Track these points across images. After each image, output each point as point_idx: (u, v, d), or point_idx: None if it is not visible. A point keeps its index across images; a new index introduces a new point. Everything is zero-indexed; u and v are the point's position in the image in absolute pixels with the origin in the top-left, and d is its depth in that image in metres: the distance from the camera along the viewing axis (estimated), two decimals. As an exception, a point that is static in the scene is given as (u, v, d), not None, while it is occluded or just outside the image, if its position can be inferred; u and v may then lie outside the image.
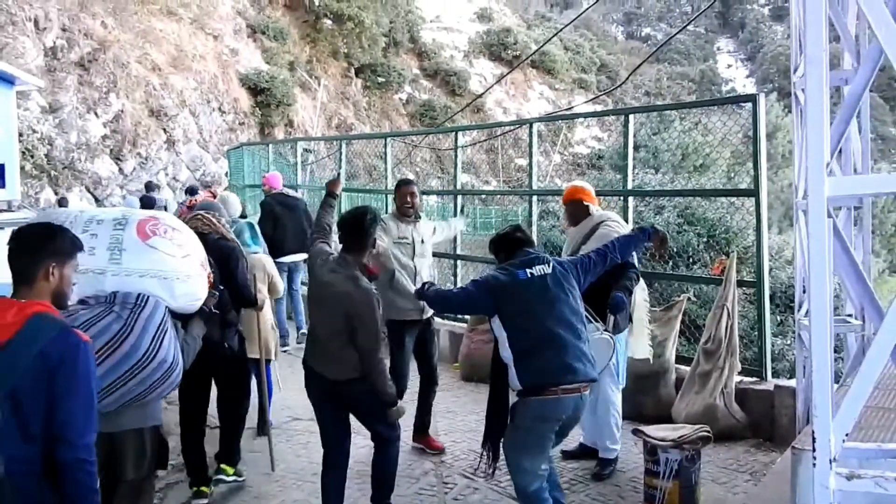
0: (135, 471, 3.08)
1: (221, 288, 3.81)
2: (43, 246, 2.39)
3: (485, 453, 3.82)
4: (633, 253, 4.68)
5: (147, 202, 10.53)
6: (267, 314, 5.43)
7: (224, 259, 4.34)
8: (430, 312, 5.12)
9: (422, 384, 5.26)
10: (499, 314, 3.58)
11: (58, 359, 2.26)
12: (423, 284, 4.14)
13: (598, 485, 4.58)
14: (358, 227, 3.77)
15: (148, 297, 3.09)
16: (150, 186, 14.11)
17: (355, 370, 3.67)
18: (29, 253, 2.38)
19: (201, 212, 4.67)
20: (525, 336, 3.50)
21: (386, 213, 5.78)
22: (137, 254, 3.19)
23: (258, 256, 5.74)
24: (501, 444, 3.69)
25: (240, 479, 4.76)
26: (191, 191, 12.49)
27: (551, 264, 3.65)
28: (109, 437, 2.93)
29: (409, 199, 5.12)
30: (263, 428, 5.38)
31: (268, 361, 5.48)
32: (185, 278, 3.29)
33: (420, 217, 5.26)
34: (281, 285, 6.16)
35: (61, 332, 2.31)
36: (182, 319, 3.34)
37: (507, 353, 3.54)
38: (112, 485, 3.03)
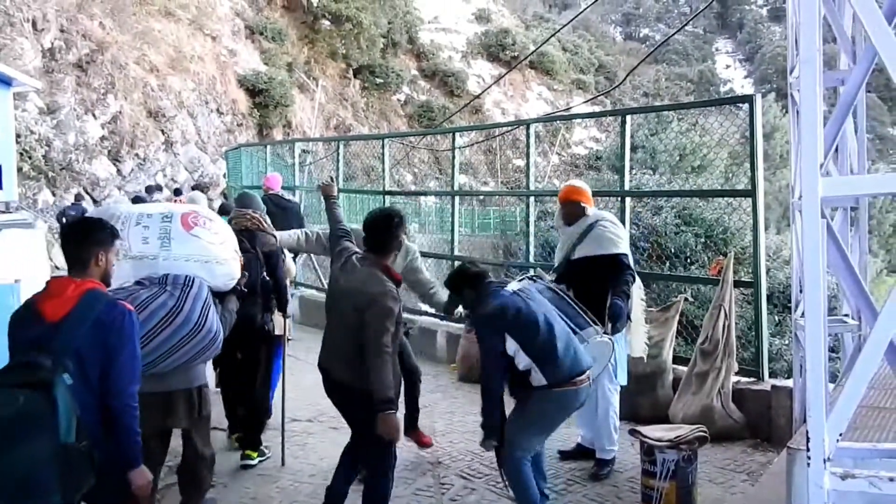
0: (188, 421, 3.77)
1: (247, 274, 4.22)
2: (94, 237, 2.93)
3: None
4: (628, 256, 4.74)
5: (137, 202, 10.75)
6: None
7: (269, 255, 5.05)
8: None
9: (405, 382, 5.00)
10: (511, 335, 3.69)
11: (109, 324, 2.78)
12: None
13: (596, 485, 4.58)
14: (384, 228, 3.71)
15: (194, 277, 3.68)
16: (150, 189, 14.14)
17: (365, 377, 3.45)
18: (83, 242, 2.91)
19: (249, 211, 5.15)
20: (535, 343, 3.67)
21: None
22: (183, 242, 3.80)
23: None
24: (508, 426, 3.81)
25: (266, 455, 5.20)
26: (176, 192, 12.85)
27: (514, 283, 3.97)
28: (166, 395, 3.56)
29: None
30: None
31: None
32: (223, 261, 3.92)
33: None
34: (294, 270, 6.90)
35: (110, 303, 2.85)
36: (219, 296, 3.86)
37: (525, 361, 3.67)
38: (167, 435, 3.81)
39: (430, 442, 5.25)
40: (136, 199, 11.27)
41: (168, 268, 3.68)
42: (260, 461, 5.10)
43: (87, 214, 5.22)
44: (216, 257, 3.89)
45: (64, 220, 10.00)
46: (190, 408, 3.76)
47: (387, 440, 3.45)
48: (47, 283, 2.93)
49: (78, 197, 13.74)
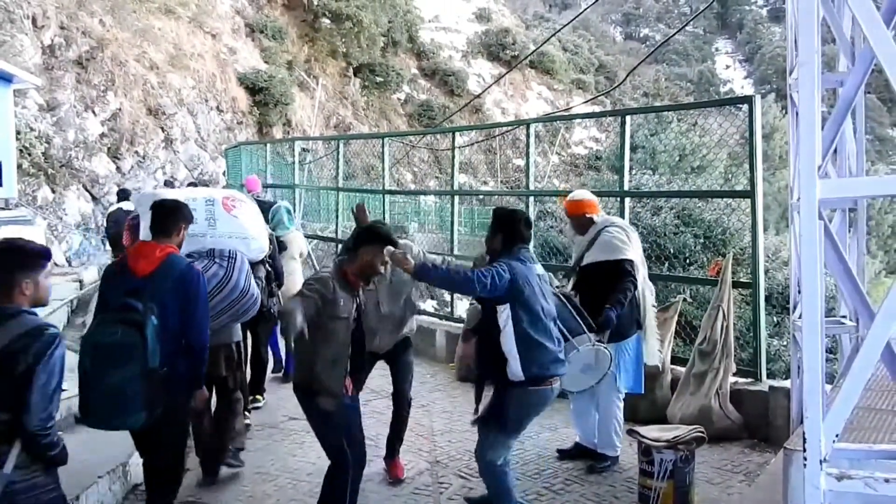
0: (227, 370, 4.66)
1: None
2: (180, 213, 3.83)
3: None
4: (633, 262, 4.72)
5: (123, 194, 11.31)
6: (298, 280, 6.81)
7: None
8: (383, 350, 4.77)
9: (394, 406, 4.90)
10: (512, 303, 3.63)
11: (188, 281, 3.62)
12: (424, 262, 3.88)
13: (593, 485, 4.59)
14: (355, 239, 3.84)
15: (236, 251, 4.54)
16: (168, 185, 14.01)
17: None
18: (171, 217, 3.77)
19: None
20: (533, 328, 3.64)
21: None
22: (226, 222, 4.68)
23: (294, 234, 7.27)
24: (481, 423, 3.85)
25: (261, 402, 6.36)
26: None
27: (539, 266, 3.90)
28: (212, 349, 3.97)
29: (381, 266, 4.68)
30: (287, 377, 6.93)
31: None
32: (256, 237, 4.86)
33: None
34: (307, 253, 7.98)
35: (188, 265, 3.73)
36: (251, 266, 4.72)
37: (510, 347, 3.63)
38: (209, 384, 4.25)
39: (401, 476, 4.79)
40: (120, 194, 11.53)
41: (213, 243, 4.50)
42: (257, 407, 6.26)
43: (135, 196, 6.75)
44: (251, 234, 4.80)
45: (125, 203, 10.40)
46: (229, 359, 4.68)
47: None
48: (136, 246, 3.80)
49: (123, 193, 13.47)
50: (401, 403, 4.83)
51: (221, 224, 4.64)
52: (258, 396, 6.40)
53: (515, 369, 3.63)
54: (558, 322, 3.87)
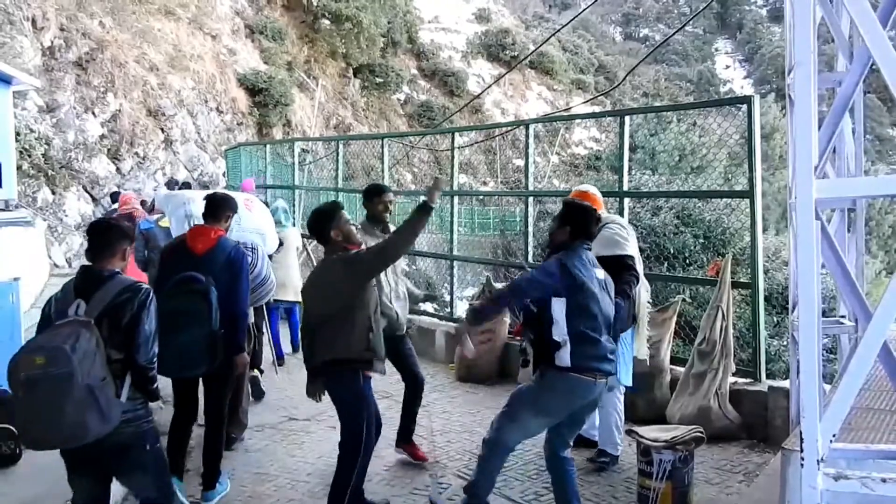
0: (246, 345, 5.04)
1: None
2: (227, 204, 4.68)
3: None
4: (633, 258, 4.73)
5: (115, 197, 12.18)
6: (295, 272, 8.02)
7: None
8: (402, 331, 4.99)
9: (406, 390, 5.06)
10: (568, 295, 3.62)
11: (234, 260, 4.43)
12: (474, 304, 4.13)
13: (592, 485, 4.59)
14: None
15: (256, 244, 5.36)
16: (170, 184, 14.48)
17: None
18: (221, 206, 4.62)
19: None
20: (586, 321, 3.63)
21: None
22: (248, 219, 5.67)
23: (291, 230, 8.20)
24: (515, 396, 3.83)
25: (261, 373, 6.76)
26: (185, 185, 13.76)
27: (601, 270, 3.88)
28: None
29: (388, 206, 5.06)
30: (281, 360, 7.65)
31: (296, 303, 7.94)
32: (270, 231, 6.05)
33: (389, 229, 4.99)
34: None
35: (236, 246, 4.56)
36: None
37: (562, 336, 3.62)
38: None
39: (425, 457, 5.04)
40: (113, 196, 12.41)
41: (239, 237, 5.18)
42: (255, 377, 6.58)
43: (163, 196, 7.91)
44: (266, 229, 5.92)
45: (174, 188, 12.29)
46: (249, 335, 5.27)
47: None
48: (192, 229, 4.59)
49: (170, 184, 14.32)
50: (417, 385, 5.01)
51: (246, 221, 5.64)
52: (256, 371, 6.70)
53: (563, 357, 3.61)
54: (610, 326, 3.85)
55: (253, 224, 5.78)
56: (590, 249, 3.84)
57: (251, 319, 5.35)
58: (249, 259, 4.88)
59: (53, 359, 2.89)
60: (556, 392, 3.67)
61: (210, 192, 5.15)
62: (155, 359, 3.24)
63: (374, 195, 5.05)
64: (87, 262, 3.33)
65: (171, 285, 4.10)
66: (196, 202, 5.68)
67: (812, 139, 2.26)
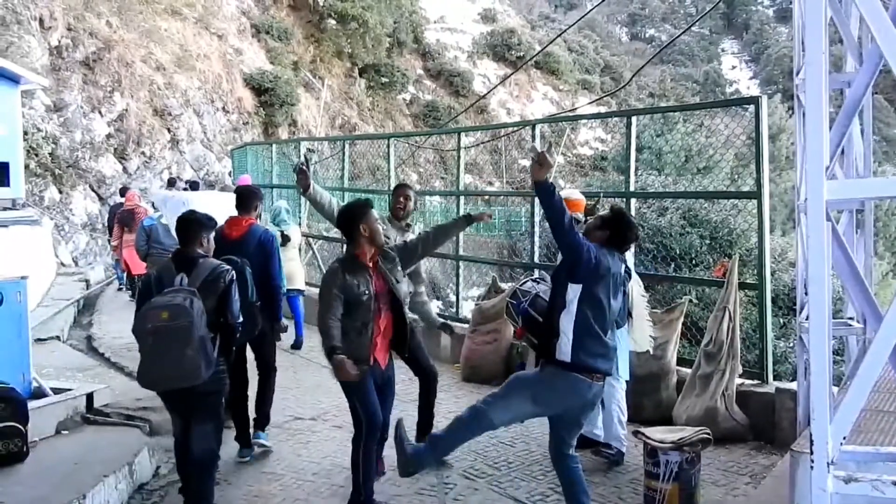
0: None
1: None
2: (256, 196, 5.52)
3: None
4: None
5: (123, 192, 12.97)
6: (297, 265, 8.68)
7: None
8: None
9: (420, 384, 5.12)
10: (584, 284, 3.61)
11: (265, 242, 5.20)
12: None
13: (598, 486, 4.58)
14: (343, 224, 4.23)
15: None
16: (171, 182, 14.88)
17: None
18: (250, 198, 5.42)
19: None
20: (596, 319, 3.62)
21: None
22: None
23: (294, 228, 8.78)
24: (515, 378, 3.83)
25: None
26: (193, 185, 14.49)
27: (624, 265, 3.84)
28: None
29: (402, 200, 5.36)
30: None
31: (300, 292, 8.55)
32: None
33: (411, 225, 5.45)
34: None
35: (265, 230, 5.35)
36: None
37: (568, 325, 3.61)
38: None
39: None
40: (123, 190, 13.11)
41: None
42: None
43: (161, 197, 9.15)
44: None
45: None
46: None
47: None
48: (228, 220, 5.33)
49: (172, 181, 15.13)
50: (429, 378, 5.05)
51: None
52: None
53: (563, 349, 3.60)
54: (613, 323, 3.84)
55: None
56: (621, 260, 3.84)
57: None
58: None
59: (176, 314, 3.78)
60: (553, 388, 3.67)
61: (210, 191, 5.59)
62: (241, 320, 4.15)
63: (394, 190, 5.56)
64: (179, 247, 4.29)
65: None
66: (193, 203, 6.34)
67: (823, 140, 2.25)
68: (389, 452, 4.93)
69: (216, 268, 4.11)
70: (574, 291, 3.61)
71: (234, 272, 4.17)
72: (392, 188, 5.66)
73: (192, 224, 4.27)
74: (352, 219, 4.12)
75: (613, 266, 3.68)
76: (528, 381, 3.79)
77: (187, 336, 3.75)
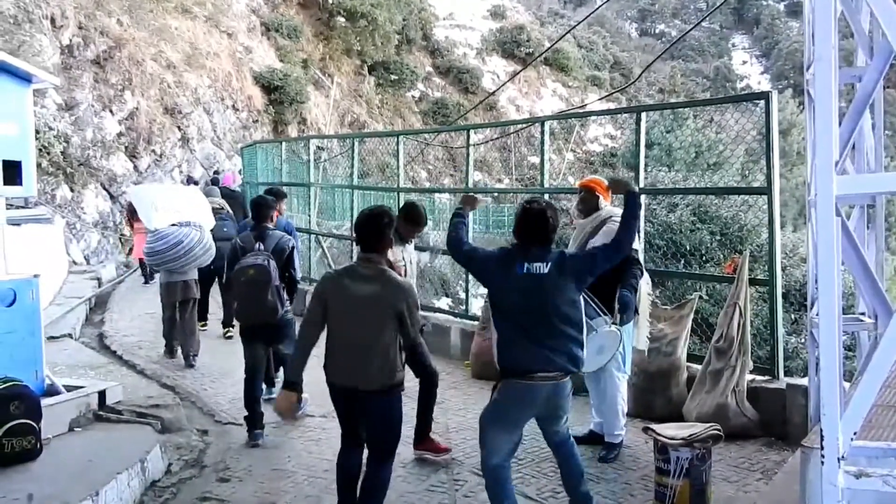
0: (195, 292, 7.86)
1: None
2: (269, 205, 5.99)
3: None
4: (637, 251, 4.78)
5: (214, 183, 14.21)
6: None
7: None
8: None
9: (420, 388, 5.07)
10: (489, 293, 3.76)
11: (285, 243, 5.77)
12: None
13: (609, 483, 4.58)
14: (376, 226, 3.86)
15: (200, 224, 7.61)
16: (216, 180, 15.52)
17: (387, 378, 3.73)
18: (263, 210, 5.89)
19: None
20: (506, 324, 3.65)
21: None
22: (198, 206, 7.98)
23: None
24: (480, 419, 3.81)
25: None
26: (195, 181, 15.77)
27: (552, 263, 3.62)
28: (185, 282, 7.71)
29: (419, 230, 5.32)
30: None
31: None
32: (206, 216, 7.97)
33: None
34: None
35: (283, 235, 5.90)
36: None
37: (493, 334, 3.72)
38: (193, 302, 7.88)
39: (447, 448, 5.09)
40: (213, 181, 14.69)
41: (192, 218, 7.57)
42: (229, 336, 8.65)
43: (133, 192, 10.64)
44: (203, 216, 7.81)
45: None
46: (197, 284, 7.82)
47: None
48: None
49: (190, 179, 16.68)
50: (430, 381, 5.02)
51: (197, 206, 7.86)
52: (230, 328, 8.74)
53: (494, 356, 3.72)
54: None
55: (193, 211, 7.69)
56: (541, 248, 3.67)
57: (195, 276, 7.73)
58: (199, 233, 7.37)
59: (259, 271, 5.42)
60: (502, 402, 3.68)
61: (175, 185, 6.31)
62: (298, 274, 5.96)
63: (409, 216, 5.19)
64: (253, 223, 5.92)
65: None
66: (158, 198, 7.67)
67: (833, 135, 2.24)
68: (402, 449, 4.97)
69: (281, 238, 5.71)
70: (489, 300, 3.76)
71: (294, 243, 5.84)
72: (407, 212, 5.25)
73: (262, 207, 5.86)
74: (386, 229, 3.88)
75: (517, 269, 3.59)
76: (486, 413, 3.74)
77: (267, 286, 5.38)
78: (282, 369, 5.88)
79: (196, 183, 14.80)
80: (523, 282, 3.59)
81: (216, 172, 18.09)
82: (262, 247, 5.55)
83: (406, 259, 5.13)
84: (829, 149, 2.21)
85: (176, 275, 7.53)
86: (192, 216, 7.52)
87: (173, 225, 7.25)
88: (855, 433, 2.28)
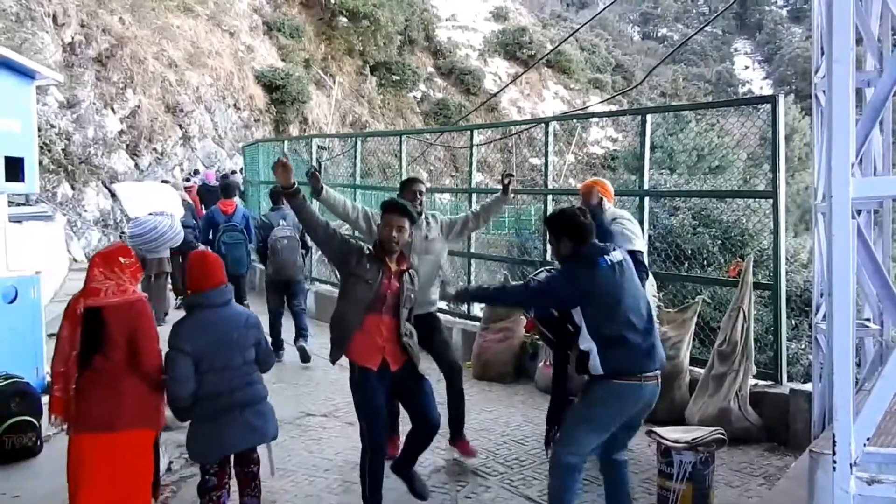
0: (167, 266, 9.47)
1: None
2: (235, 186, 9.76)
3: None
4: (643, 253, 4.75)
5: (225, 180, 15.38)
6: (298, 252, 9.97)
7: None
8: (433, 308, 5.04)
9: (445, 378, 4.97)
10: (582, 304, 3.52)
11: (247, 217, 9.15)
12: (463, 288, 4.30)
13: (611, 486, 4.55)
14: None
15: (171, 213, 8.60)
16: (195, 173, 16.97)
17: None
18: (230, 188, 9.62)
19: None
20: (610, 324, 3.49)
21: None
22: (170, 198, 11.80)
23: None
24: (568, 415, 3.73)
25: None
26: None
27: (620, 252, 3.66)
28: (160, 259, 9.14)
29: (419, 196, 5.00)
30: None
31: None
32: (176, 207, 11.08)
33: (421, 214, 4.98)
34: None
35: (246, 210, 9.70)
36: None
37: (588, 344, 3.50)
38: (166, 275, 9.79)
39: (475, 452, 5.02)
40: (224, 178, 14.94)
41: (164, 207, 9.32)
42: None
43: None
44: (173, 206, 10.37)
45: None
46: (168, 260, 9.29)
47: None
48: (220, 202, 9.15)
49: (196, 172, 17.64)
50: (454, 376, 4.94)
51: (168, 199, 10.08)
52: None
53: (595, 364, 3.48)
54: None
55: (165, 203, 9.92)
56: (598, 243, 3.66)
57: (166, 254, 8.97)
58: (169, 220, 8.11)
59: (290, 239, 7.67)
60: (603, 403, 3.54)
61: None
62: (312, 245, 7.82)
63: (405, 184, 5.18)
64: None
65: (222, 232, 8.74)
66: (138, 192, 10.17)
67: (850, 136, 2.22)
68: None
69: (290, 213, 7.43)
70: (577, 314, 3.54)
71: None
72: (402, 181, 5.25)
73: (276, 194, 7.76)
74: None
75: (596, 273, 3.51)
76: (579, 411, 3.64)
77: (295, 250, 7.70)
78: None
79: (226, 177, 15.44)
80: (612, 272, 3.54)
81: (221, 173, 18.47)
82: (287, 219, 7.64)
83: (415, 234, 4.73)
84: (846, 150, 2.19)
85: (151, 254, 8.63)
86: (164, 207, 9.46)
87: (150, 214, 8.37)
88: (868, 439, 2.26)
